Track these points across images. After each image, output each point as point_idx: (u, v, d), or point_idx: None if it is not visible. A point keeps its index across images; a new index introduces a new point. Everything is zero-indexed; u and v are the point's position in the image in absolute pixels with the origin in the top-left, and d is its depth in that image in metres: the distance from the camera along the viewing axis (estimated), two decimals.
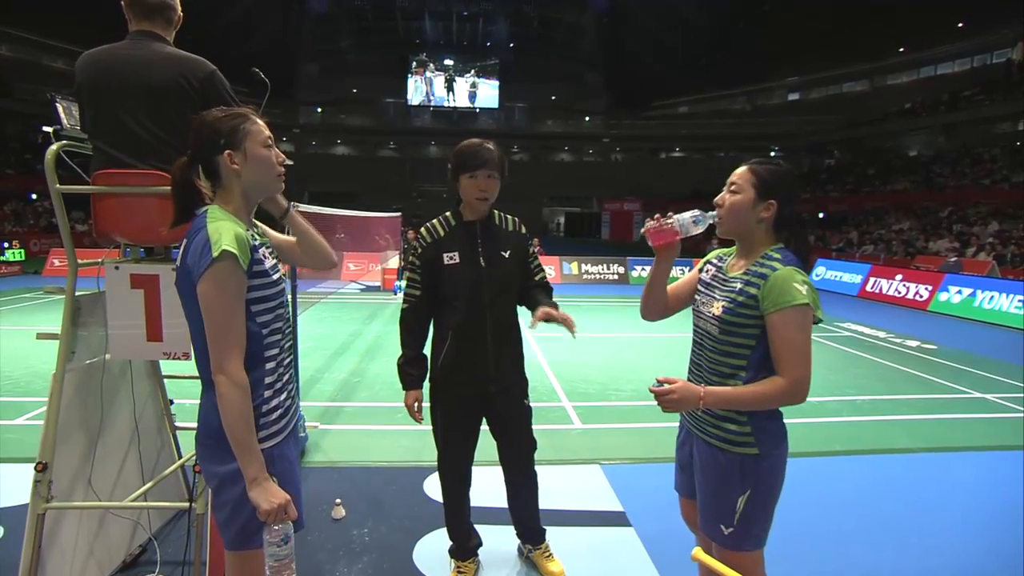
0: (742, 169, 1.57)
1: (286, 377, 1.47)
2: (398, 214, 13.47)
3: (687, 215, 1.56)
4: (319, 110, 36.60)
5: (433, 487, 3.14)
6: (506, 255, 2.11)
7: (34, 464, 1.91)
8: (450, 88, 36.04)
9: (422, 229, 2.15)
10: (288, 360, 1.49)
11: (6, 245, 13.85)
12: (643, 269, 14.48)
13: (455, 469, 2.27)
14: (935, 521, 2.93)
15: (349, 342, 7.00)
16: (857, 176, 28.15)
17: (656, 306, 1.78)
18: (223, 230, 1.27)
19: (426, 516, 2.83)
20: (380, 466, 3.43)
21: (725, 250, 1.74)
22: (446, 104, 36.46)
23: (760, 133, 34.46)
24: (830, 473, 3.48)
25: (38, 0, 21.90)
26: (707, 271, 1.72)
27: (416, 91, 36.00)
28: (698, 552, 1.48)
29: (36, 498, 1.91)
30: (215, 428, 1.31)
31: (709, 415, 1.59)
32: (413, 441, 3.84)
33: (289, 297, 1.57)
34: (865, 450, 3.88)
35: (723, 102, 36.90)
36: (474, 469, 2.31)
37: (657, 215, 1.61)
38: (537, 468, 2.37)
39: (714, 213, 1.58)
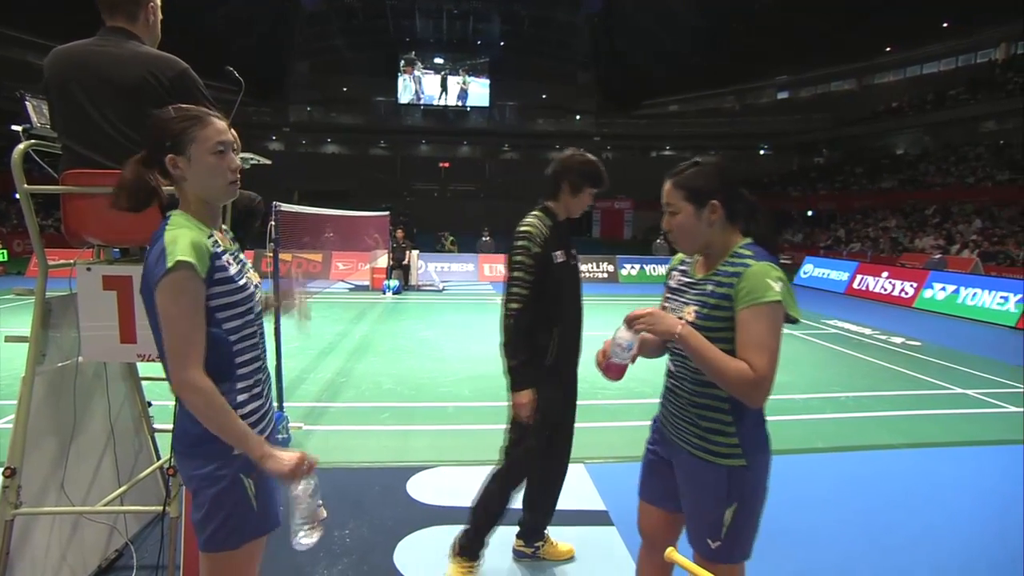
0: (667, 186, 1.50)
1: (262, 383, 1.46)
2: (386, 213, 13.39)
3: (617, 348, 1.49)
4: (309, 109, 36.38)
5: (416, 488, 3.13)
6: (575, 251, 2.31)
7: (1, 470, 1.88)
8: (444, 87, 35.89)
9: (531, 228, 2.12)
10: (263, 366, 1.49)
11: None
12: (632, 267, 14.50)
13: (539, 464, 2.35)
14: (916, 518, 2.96)
15: (336, 342, 6.96)
16: (846, 174, 28.42)
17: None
18: (179, 238, 1.25)
19: (408, 517, 2.82)
20: (363, 467, 3.41)
21: None
22: (436, 103, 36.33)
23: (750, 132, 34.66)
24: (812, 470, 3.51)
25: None
26: (673, 277, 1.66)
27: (405, 90, 35.86)
28: (671, 553, 1.48)
29: (4, 504, 1.88)
30: (191, 435, 1.31)
31: (694, 426, 1.51)
32: (397, 442, 3.83)
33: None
34: (848, 447, 3.91)
35: (713, 101, 37.06)
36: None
37: (600, 352, 1.54)
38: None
39: (629, 336, 1.47)
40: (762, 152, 36.51)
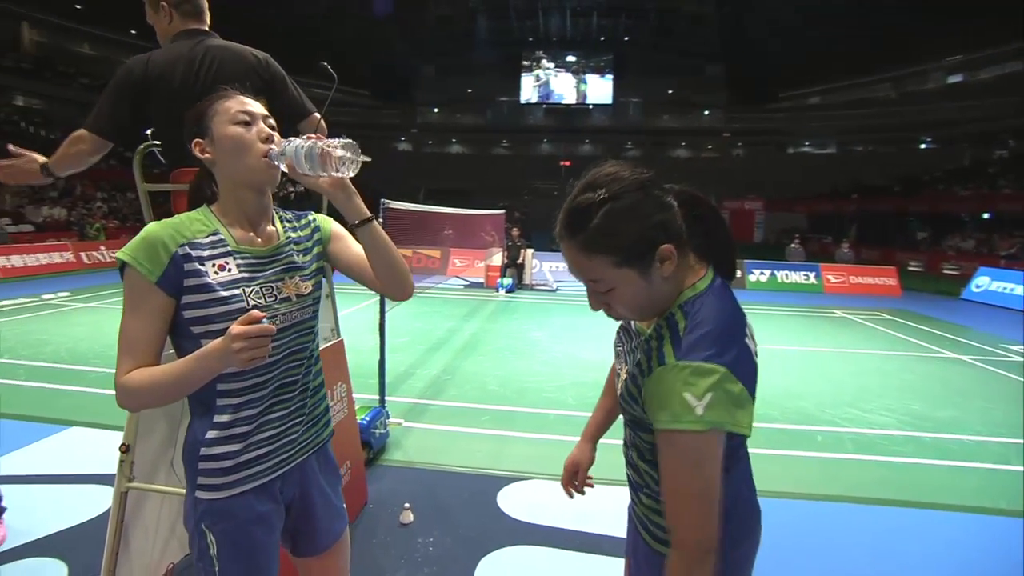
0: (573, 254, 0.97)
1: (259, 422, 1.16)
2: (502, 211, 13.54)
3: None
4: (435, 110, 38.19)
5: (507, 500, 2.98)
6: None
7: (119, 445, 2.02)
8: (578, 84, 35.66)
9: None
10: (272, 408, 1.18)
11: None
12: (762, 273, 13.30)
13: None
14: None
15: (446, 338, 7.08)
16: None
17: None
18: (141, 234, 1.09)
19: (495, 531, 2.68)
20: (455, 471, 3.34)
21: None
22: (563, 101, 36.29)
23: (908, 122, 30.44)
24: (992, 535, 2.82)
25: None
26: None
27: (534, 89, 36.26)
28: None
29: (120, 477, 2.01)
30: (190, 448, 1.17)
31: (642, 494, 1.11)
32: (493, 446, 3.72)
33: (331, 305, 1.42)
34: None
35: (862, 90, 33.06)
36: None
37: None
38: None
39: None
40: (923, 146, 31.93)
